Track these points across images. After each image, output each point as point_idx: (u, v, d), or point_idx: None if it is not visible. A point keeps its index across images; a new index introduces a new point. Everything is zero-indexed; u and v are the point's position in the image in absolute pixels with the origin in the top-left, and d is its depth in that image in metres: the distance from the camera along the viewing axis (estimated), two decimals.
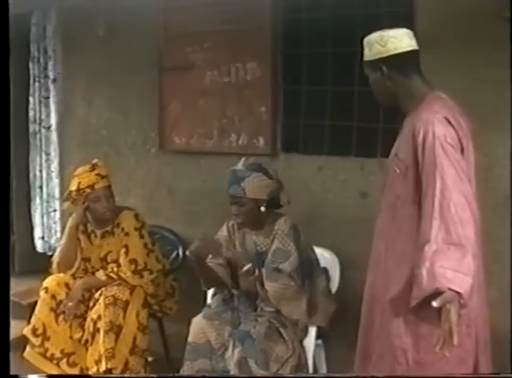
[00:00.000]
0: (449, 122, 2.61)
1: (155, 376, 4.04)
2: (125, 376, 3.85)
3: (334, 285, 3.87)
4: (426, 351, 2.63)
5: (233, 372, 3.30)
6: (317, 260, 3.67)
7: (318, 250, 4.01)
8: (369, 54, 2.81)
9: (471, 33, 3.87)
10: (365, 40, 2.83)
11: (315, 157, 4.58)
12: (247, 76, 4.77)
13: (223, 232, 3.74)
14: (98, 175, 4.06)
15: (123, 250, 4.07)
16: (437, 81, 4.00)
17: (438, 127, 2.57)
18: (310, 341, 3.54)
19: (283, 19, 4.64)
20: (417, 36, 4.04)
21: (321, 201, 4.52)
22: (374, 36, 2.78)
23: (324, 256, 3.95)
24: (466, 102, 3.89)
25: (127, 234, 4.10)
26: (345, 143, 4.47)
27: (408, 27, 4.03)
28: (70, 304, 4.00)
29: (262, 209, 3.52)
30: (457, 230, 2.46)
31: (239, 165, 3.56)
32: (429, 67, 4.03)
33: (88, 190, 4.03)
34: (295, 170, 4.67)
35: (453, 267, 2.42)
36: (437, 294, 2.40)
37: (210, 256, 3.57)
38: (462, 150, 2.63)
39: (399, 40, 2.75)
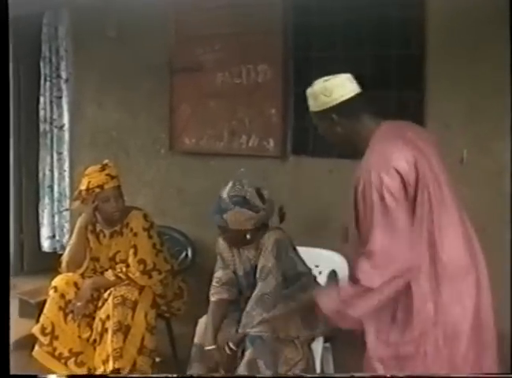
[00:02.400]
0: (389, 165, 2.61)
1: (162, 375, 4.03)
2: (133, 375, 3.85)
3: None
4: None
5: (241, 371, 3.29)
6: (310, 273, 3.64)
7: (327, 253, 4.02)
8: (315, 105, 2.83)
9: (479, 38, 3.87)
10: (308, 92, 2.85)
11: (325, 159, 4.57)
12: (258, 78, 4.78)
13: (223, 242, 3.69)
14: (108, 175, 4.07)
15: (131, 251, 4.08)
16: (444, 87, 4.03)
17: (375, 175, 2.60)
18: (318, 344, 3.53)
19: (294, 22, 4.65)
20: (426, 40, 4.09)
21: (331, 204, 4.52)
22: (317, 88, 2.80)
23: (334, 259, 3.94)
24: (473, 109, 3.92)
25: (135, 234, 4.10)
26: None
27: (418, 34, 4.08)
28: (79, 304, 4.01)
29: (248, 236, 3.47)
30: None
31: (224, 194, 3.47)
32: (437, 73, 4.07)
33: (98, 190, 4.03)
34: (305, 173, 4.67)
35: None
36: None
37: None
38: (417, 181, 2.62)
39: (342, 87, 2.77)
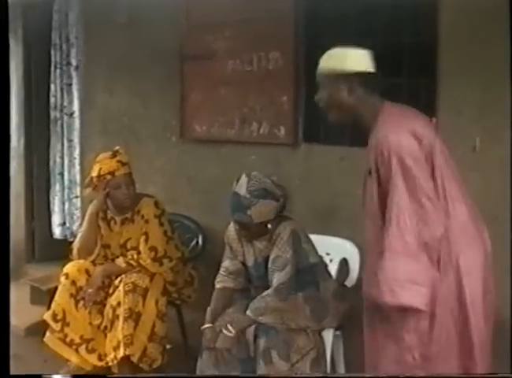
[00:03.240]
0: (408, 134, 2.66)
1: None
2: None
3: (354, 275, 3.86)
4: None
5: (259, 361, 3.31)
6: (322, 263, 3.63)
7: (338, 241, 4.01)
8: (328, 69, 2.86)
9: (492, 26, 3.83)
10: (325, 54, 2.88)
11: (336, 147, 4.55)
12: (269, 66, 4.75)
13: (232, 233, 3.70)
14: (118, 161, 4.07)
15: (143, 238, 4.09)
16: (457, 75, 4.00)
17: (395, 142, 2.63)
18: (329, 332, 3.53)
19: (306, 9, 4.62)
20: (440, 29, 4.05)
21: (342, 192, 4.50)
22: (336, 53, 2.85)
23: (345, 247, 3.94)
24: (486, 97, 3.89)
25: (147, 221, 4.11)
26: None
27: (431, 21, 4.05)
28: (90, 291, 4.03)
29: (269, 226, 3.49)
30: (412, 239, 2.60)
31: (242, 190, 3.44)
32: (449, 61, 4.03)
33: (109, 177, 4.04)
34: (316, 160, 4.66)
35: (407, 278, 2.59)
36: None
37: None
38: (428, 158, 2.67)
39: (359, 59, 2.82)
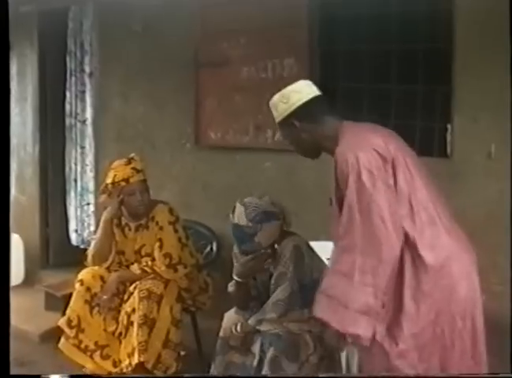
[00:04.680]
0: (369, 148, 2.62)
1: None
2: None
3: None
4: None
5: (265, 370, 3.29)
6: None
7: None
8: (277, 115, 2.89)
9: (507, 32, 3.82)
10: (270, 104, 2.92)
11: None
12: (284, 73, 4.74)
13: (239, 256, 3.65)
14: (133, 169, 4.09)
15: (157, 244, 4.09)
16: (472, 81, 3.98)
17: (350, 155, 2.60)
18: None
19: (320, 15, 4.63)
20: (455, 35, 4.03)
21: None
22: (276, 97, 2.88)
23: None
24: (501, 103, 3.87)
25: (161, 228, 4.12)
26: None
27: (446, 27, 4.03)
28: (105, 297, 4.03)
29: (276, 246, 3.48)
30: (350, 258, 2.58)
31: (243, 220, 3.41)
32: (465, 67, 4.02)
33: (123, 184, 4.05)
34: (330, 167, 4.64)
35: (334, 296, 2.62)
36: None
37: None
38: (394, 166, 2.63)
39: (299, 92, 2.84)
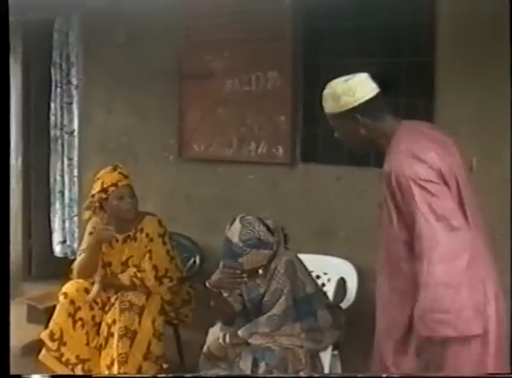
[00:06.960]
0: (419, 158, 2.60)
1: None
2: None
3: (351, 296, 3.86)
4: None
5: None
6: (319, 292, 3.60)
7: (336, 261, 4.01)
8: (337, 106, 2.79)
9: (489, 45, 3.85)
10: (327, 93, 2.82)
11: (334, 167, 4.56)
12: (267, 85, 4.76)
13: None
14: (120, 173, 4.10)
15: (147, 256, 4.07)
16: (454, 94, 4.01)
17: (408, 168, 2.58)
18: (327, 352, 3.52)
19: (304, 28, 4.65)
20: (438, 47, 4.07)
21: (339, 212, 4.51)
22: (339, 88, 2.77)
23: (342, 267, 3.93)
24: (483, 116, 3.90)
25: (151, 240, 4.11)
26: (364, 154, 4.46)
27: (429, 38, 4.06)
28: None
29: (260, 272, 3.48)
30: (446, 267, 2.51)
31: (235, 238, 3.41)
32: (446, 80, 4.05)
33: (112, 188, 4.04)
34: (314, 180, 4.66)
35: (444, 309, 2.50)
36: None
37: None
38: (445, 177, 2.62)
39: (365, 86, 2.76)
